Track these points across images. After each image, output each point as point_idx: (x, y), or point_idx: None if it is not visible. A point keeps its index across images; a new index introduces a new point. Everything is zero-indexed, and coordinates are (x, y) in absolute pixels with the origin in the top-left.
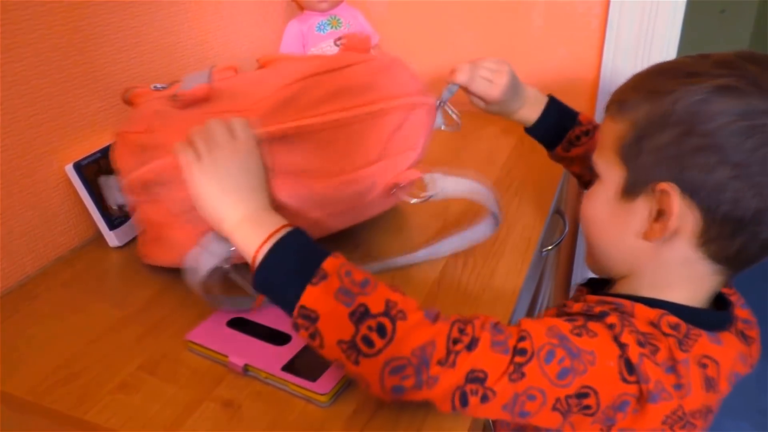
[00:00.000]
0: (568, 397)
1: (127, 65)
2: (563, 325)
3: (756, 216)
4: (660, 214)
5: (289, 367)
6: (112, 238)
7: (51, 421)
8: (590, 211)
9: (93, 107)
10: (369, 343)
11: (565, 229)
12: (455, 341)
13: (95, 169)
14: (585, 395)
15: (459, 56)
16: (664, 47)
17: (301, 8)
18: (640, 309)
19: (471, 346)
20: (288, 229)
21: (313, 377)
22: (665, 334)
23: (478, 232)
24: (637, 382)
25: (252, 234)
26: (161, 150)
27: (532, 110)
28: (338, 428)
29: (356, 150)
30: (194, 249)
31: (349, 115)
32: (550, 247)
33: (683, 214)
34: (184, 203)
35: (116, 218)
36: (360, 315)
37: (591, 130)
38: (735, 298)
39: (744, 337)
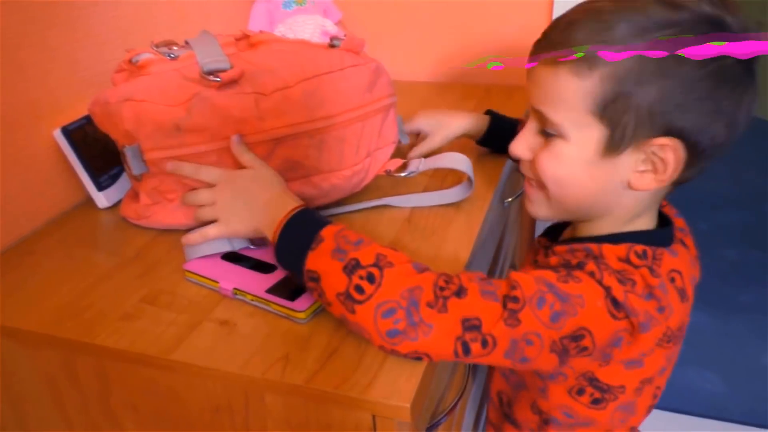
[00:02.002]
0: (562, 338)
1: (107, 37)
2: (549, 275)
3: (720, 147)
4: (650, 162)
5: (272, 290)
6: (101, 200)
7: (62, 352)
8: (560, 171)
9: (78, 76)
10: (360, 290)
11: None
12: (442, 288)
13: (82, 134)
14: (581, 337)
15: (419, 32)
16: None
17: None
18: (608, 249)
19: (460, 293)
20: (295, 210)
21: (292, 298)
22: (636, 267)
23: (453, 193)
24: (626, 317)
25: (272, 223)
26: (201, 134)
27: (477, 124)
28: (324, 337)
29: (350, 148)
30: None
31: (345, 119)
32: (510, 199)
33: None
34: None
35: (104, 180)
36: (352, 267)
37: None
38: (668, 209)
39: (684, 244)
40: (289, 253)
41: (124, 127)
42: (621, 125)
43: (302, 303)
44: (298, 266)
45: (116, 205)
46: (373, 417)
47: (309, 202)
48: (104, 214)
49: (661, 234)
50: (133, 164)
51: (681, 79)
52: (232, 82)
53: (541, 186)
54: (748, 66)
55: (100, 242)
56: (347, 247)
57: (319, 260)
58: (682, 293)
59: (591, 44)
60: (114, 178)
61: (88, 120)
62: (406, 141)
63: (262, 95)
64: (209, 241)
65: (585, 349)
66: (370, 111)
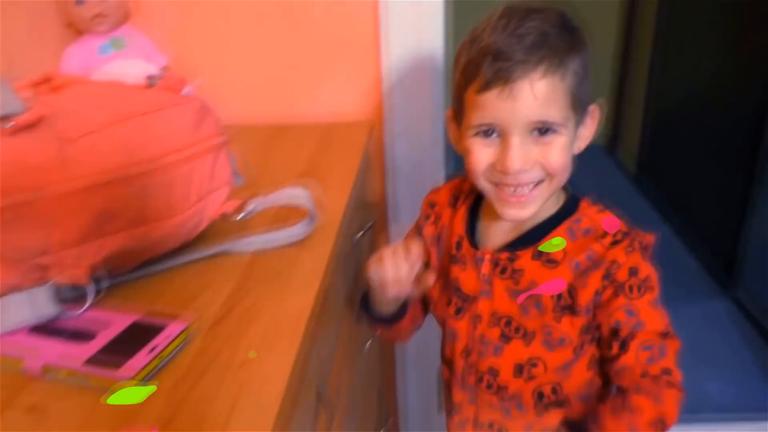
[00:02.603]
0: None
1: None
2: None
3: None
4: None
5: (93, 360)
6: None
7: None
8: (566, 160)
9: None
10: None
11: (374, 218)
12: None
13: None
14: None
15: (255, 74)
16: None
17: (80, 32)
18: (588, 213)
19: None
20: None
21: (116, 366)
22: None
23: (295, 231)
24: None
25: None
26: None
27: None
28: (161, 400)
29: (180, 193)
30: (18, 294)
31: (170, 161)
32: (359, 234)
33: None
34: (23, 251)
35: None
36: None
37: None
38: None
39: None
40: None
41: None
42: (580, 108)
43: (130, 369)
44: None
45: None
46: None
47: (137, 256)
48: None
49: None
50: None
51: (587, 53)
52: (28, 128)
53: (544, 181)
54: None
55: None
56: None
57: None
58: None
59: (562, 51)
60: None
61: None
62: (240, 182)
63: (67, 141)
64: (8, 314)
65: None
66: (198, 151)
